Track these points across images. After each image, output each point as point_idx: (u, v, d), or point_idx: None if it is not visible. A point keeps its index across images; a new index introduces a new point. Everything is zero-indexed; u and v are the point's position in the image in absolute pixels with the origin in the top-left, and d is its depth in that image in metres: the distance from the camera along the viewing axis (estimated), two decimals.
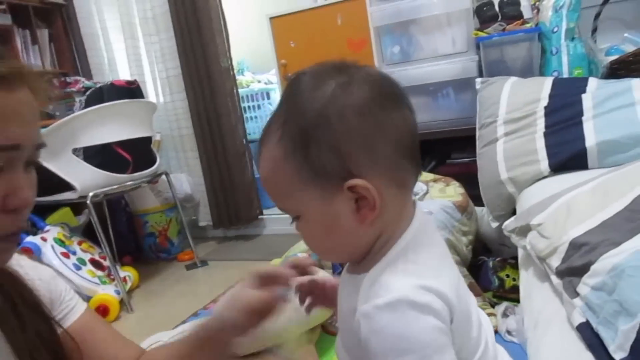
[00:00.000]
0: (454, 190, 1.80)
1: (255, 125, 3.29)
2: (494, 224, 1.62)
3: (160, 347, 0.78)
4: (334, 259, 0.57)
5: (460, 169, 2.08)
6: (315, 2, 2.18)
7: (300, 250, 2.14)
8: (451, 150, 2.19)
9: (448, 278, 0.51)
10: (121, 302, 2.05)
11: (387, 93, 0.52)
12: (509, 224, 1.15)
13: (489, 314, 1.44)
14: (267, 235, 2.93)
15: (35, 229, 2.09)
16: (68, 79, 2.71)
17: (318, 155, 0.49)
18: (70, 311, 0.71)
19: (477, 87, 1.79)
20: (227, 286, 2.06)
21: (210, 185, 2.87)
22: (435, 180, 1.87)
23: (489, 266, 1.64)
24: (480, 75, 1.94)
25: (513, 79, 1.73)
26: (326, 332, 1.50)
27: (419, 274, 0.49)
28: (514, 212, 1.44)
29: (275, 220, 2.96)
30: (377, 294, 0.48)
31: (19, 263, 0.66)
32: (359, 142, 0.49)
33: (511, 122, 1.59)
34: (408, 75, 2.03)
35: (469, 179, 1.79)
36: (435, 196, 1.78)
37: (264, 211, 3.00)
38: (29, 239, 1.96)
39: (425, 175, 1.89)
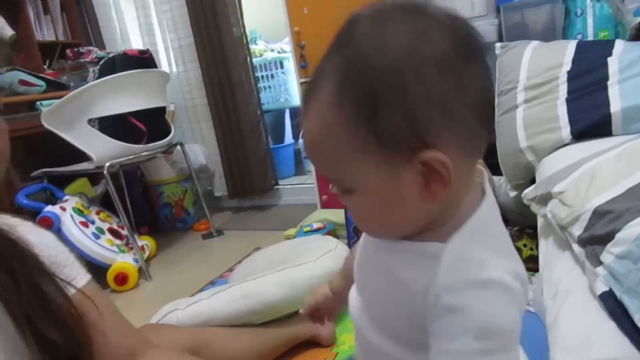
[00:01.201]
0: None
1: (269, 95, 3.26)
2: (512, 193, 1.59)
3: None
4: (384, 235, 0.51)
5: None
6: None
7: (314, 220, 2.15)
8: None
9: (516, 256, 0.48)
10: (139, 270, 2.08)
11: (468, 43, 0.43)
12: (529, 192, 1.13)
13: None
14: (282, 206, 2.94)
15: (54, 199, 2.12)
16: (81, 50, 2.70)
17: (387, 121, 0.41)
18: (72, 280, 0.69)
19: (497, 52, 1.73)
20: (243, 255, 2.08)
21: (225, 155, 2.87)
22: None
23: None
24: (500, 39, 1.88)
25: (534, 43, 1.66)
26: None
27: (507, 255, 0.45)
28: (532, 181, 1.41)
29: (290, 190, 2.96)
30: (467, 268, 0.43)
31: (20, 228, 0.64)
32: (438, 106, 0.41)
33: (532, 89, 1.54)
34: None
35: (487, 147, 1.75)
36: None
37: (279, 181, 3.01)
38: (49, 208, 1.99)
39: None
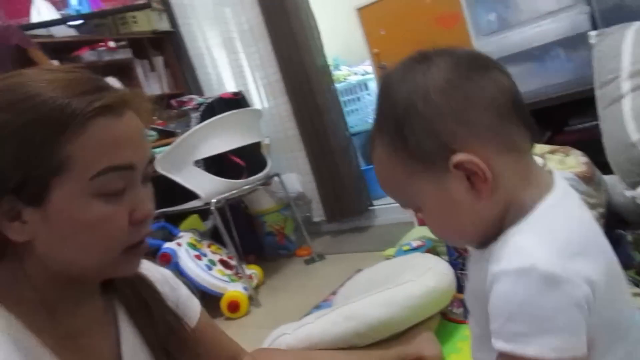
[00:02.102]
0: (576, 160, 1.65)
1: (356, 117, 3.31)
2: (629, 193, 1.45)
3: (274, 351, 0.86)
4: (465, 241, 0.59)
5: (580, 135, 1.89)
6: None
7: (412, 238, 2.12)
8: (567, 117, 2.00)
9: (598, 255, 0.48)
10: (249, 297, 2.20)
11: (468, 63, 0.51)
12: None
13: (633, 294, 1.30)
14: (379, 226, 2.94)
15: (171, 236, 2.33)
16: (183, 99, 2.96)
17: (416, 141, 0.50)
18: (190, 309, 0.78)
19: (592, 41, 1.61)
20: (345, 277, 2.10)
21: (320, 181, 2.95)
22: (552, 152, 1.73)
23: (628, 240, 1.47)
24: (594, 28, 1.74)
25: (637, 24, 1.52)
26: (446, 319, 1.47)
27: (560, 244, 0.46)
28: None
29: (386, 210, 2.95)
30: (509, 257, 0.47)
31: (144, 266, 0.72)
32: (451, 118, 0.49)
33: (639, 75, 1.41)
34: (508, 43, 1.88)
35: (591, 145, 1.62)
36: (554, 168, 1.64)
37: (374, 202, 3.02)
38: (167, 245, 2.19)
39: (540, 147, 1.75)
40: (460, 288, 1.42)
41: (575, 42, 1.84)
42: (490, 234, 0.52)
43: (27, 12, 2.62)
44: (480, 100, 0.49)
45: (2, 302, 0.56)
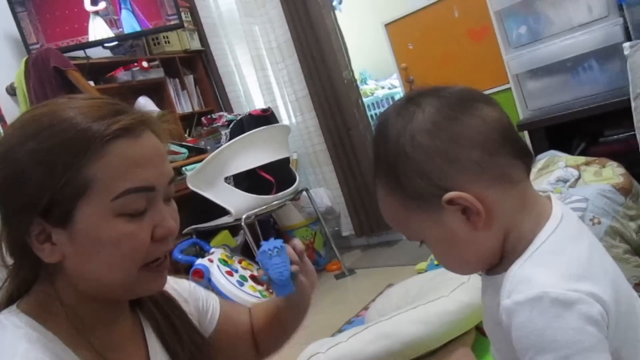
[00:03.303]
0: (612, 172, 1.61)
1: None
2: None
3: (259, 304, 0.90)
4: (470, 270, 0.59)
5: (616, 147, 1.85)
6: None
7: None
8: (603, 128, 1.96)
9: (602, 275, 0.48)
10: None
11: (454, 103, 0.53)
12: None
13: None
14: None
15: (203, 252, 2.37)
16: (213, 116, 3.03)
17: (409, 183, 0.52)
18: (213, 312, 0.82)
19: (626, 52, 1.58)
20: (376, 292, 2.09)
21: (348, 195, 2.96)
22: (587, 163, 1.69)
23: None
24: (628, 39, 1.72)
25: None
26: (482, 334, 1.44)
27: (565, 269, 0.48)
28: None
29: None
30: (518, 289, 0.48)
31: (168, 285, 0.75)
32: (440, 159, 0.51)
33: None
34: (540, 55, 1.87)
35: (628, 156, 1.59)
36: (590, 180, 1.60)
37: None
38: (199, 261, 2.22)
39: (575, 159, 1.72)
40: None
41: (608, 53, 1.81)
42: (494, 262, 0.55)
43: (86, 31, 2.73)
44: (466, 138, 0.51)
45: (42, 321, 0.59)
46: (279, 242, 0.75)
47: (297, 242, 0.80)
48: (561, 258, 0.49)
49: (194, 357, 0.72)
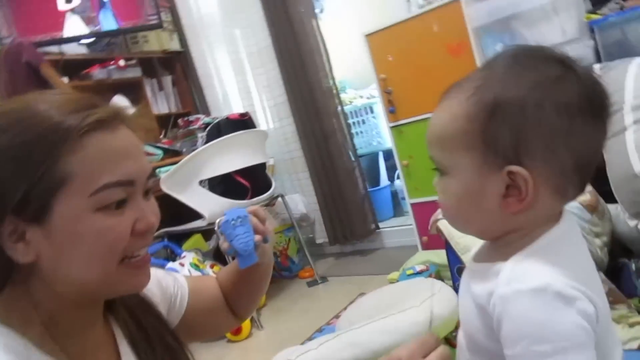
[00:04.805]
0: None
1: (362, 140, 3.34)
2: (632, 222, 1.46)
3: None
4: (461, 227, 0.58)
5: None
6: (409, 12, 2.17)
7: (416, 263, 2.12)
8: None
9: (595, 282, 0.51)
10: (252, 320, 2.19)
11: (593, 104, 0.50)
12: None
13: (635, 323, 1.30)
14: (384, 249, 2.94)
15: (174, 255, 2.33)
16: (190, 118, 3.00)
17: (497, 129, 0.49)
18: (182, 294, 0.82)
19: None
20: (348, 301, 2.10)
21: (324, 203, 2.96)
22: None
23: (632, 269, 1.47)
24: (599, 61, 1.78)
25: (639, 59, 1.56)
26: (450, 344, 1.46)
27: (567, 270, 0.48)
28: None
29: (391, 233, 2.95)
30: (519, 279, 0.48)
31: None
32: (544, 137, 0.49)
33: None
34: None
35: (595, 174, 1.63)
36: None
37: (380, 224, 3.02)
38: (170, 265, 2.19)
39: None
40: None
41: None
42: (491, 239, 0.57)
43: (61, 27, 2.66)
44: (576, 142, 0.49)
45: (13, 326, 0.56)
46: (242, 211, 0.73)
47: (259, 208, 0.79)
48: (565, 259, 0.50)
49: (167, 349, 0.71)
